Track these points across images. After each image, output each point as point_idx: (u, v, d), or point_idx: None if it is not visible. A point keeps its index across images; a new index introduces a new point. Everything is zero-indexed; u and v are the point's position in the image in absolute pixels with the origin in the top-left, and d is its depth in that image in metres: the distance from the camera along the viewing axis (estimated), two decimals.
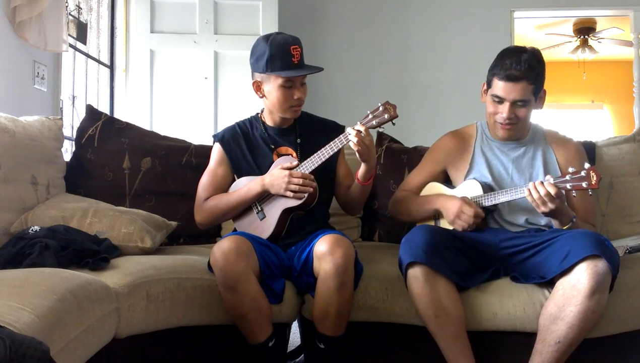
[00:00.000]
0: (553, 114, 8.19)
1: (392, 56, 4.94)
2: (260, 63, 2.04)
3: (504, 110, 2.04)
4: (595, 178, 1.83)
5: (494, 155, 2.18)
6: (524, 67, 1.99)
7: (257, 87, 2.11)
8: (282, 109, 2.11)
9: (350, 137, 1.95)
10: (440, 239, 1.88)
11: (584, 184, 1.85)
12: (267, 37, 2.06)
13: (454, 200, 2.06)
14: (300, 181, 1.97)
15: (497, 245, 1.98)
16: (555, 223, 2.00)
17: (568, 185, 1.87)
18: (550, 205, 1.87)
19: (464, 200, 2.04)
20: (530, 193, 1.90)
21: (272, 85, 2.06)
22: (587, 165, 1.87)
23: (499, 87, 2.03)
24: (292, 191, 1.98)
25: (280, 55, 2.00)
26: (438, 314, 1.82)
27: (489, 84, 2.09)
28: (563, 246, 1.81)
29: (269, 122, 2.20)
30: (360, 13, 4.96)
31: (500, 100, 2.05)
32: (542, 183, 1.89)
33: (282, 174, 2.00)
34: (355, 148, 1.95)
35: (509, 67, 2.00)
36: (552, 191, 1.86)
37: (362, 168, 2.04)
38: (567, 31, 6.89)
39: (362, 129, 1.94)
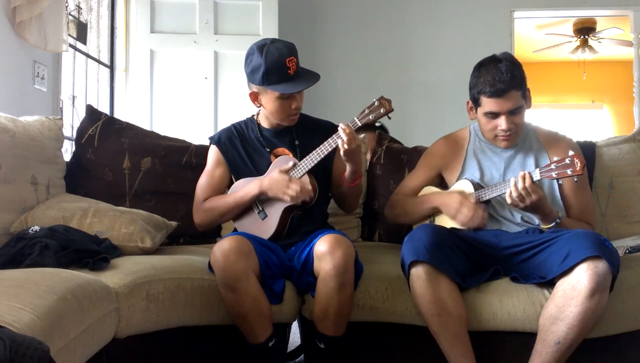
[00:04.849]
0: (553, 114, 8.21)
1: (392, 56, 4.94)
2: (256, 76, 2.04)
3: (502, 123, 2.04)
4: (579, 164, 1.83)
5: (486, 156, 2.18)
6: (508, 78, 1.99)
7: (255, 97, 2.12)
8: (279, 118, 2.12)
9: (341, 132, 1.95)
10: (444, 238, 1.88)
11: (568, 171, 1.85)
12: (261, 48, 2.03)
13: (453, 195, 2.07)
14: (299, 187, 1.99)
15: (498, 246, 1.98)
16: (541, 223, 2.00)
17: (553, 174, 1.87)
18: (533, 197, 1.88)
19: (462, 194, 2.05)
20: (511, 193, 1.91)
21: (269, 97, 2.07)
22: (571, 153, 1.87)
23: (490, 103, 2.03)
24: (290, 196, 1.99)
25: (276, 70, 2.01)
26: (440, 313, 1.81)
27: (477, 103, 2.08)
28: (563, 246, 1.80)
29: (264, 124, 2.21)
30: (360, 13, 4.97)
31: (495, 115, 2.05)
32: (523, 176, 1.89)
33: (283, 179, 2.02)
34: (342, 146, 1.94)
35: (493, 81, 1.99)
36: (527, 183, 1.88)
37: (348, 169, 2.06)
38: (567, 31, 6.89)
39: (346, 128, 1.94)
